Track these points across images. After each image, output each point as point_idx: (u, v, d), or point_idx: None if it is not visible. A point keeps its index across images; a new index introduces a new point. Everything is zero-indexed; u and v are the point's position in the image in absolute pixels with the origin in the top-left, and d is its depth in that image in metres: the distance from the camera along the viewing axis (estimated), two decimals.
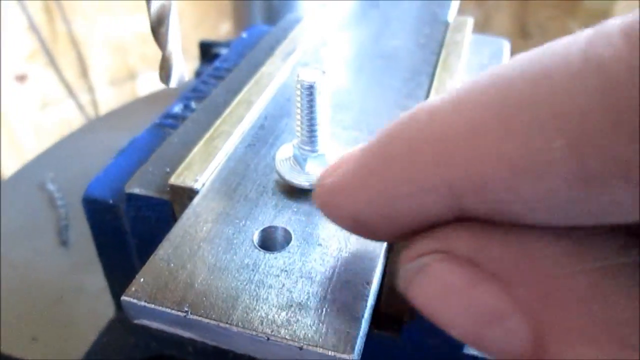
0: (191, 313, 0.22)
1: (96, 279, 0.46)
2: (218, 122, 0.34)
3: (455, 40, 0.43)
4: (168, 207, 0.30)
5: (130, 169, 0.33)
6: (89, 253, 0.40)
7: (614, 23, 0.13)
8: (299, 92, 0.27)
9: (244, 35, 0.49)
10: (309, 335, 0.21)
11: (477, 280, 0.16)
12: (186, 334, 0.23)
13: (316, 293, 0.23)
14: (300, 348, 0.21)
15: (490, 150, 0.15)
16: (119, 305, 0.39)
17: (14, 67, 1.26)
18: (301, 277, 0.24)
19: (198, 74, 0.67)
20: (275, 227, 0.26)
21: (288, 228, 0.26)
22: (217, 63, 0.45)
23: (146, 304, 0.22)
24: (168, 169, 0.32)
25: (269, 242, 0.26)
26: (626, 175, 0.13)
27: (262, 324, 0.21)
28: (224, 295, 0.23)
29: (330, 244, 0.25)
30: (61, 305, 0.51)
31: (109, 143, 0.54)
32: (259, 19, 0.89)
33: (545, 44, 0.15)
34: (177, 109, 0.40)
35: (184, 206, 0.29)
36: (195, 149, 0.32)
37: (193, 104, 0.40)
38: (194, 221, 0.27)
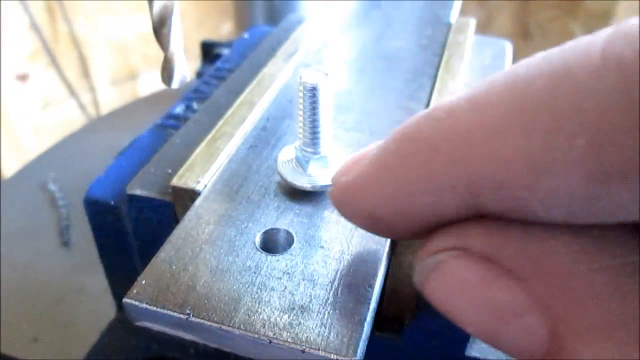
0: (193, 316, 0.22)
1: (97, 280, 0.46)
2: (220, 123, 0.34)
3: (457, 42, 0.43)
4: (170, 208, 0.30)
5: (132, 169, 0.33)
6: (90, 254, 0.40)
7: (634, 23, 0.13)
8: (301, 94, 0.27)
9: (246, 35, 0.49)
10: (312, 338, 0.21)
11: (494, 277, 0.16)
12: (188, 336, 0.23)
13: (318, 296, 0.23)
14: (303, 351, 0.21)
15: (510, 148, 0.15)
16: (120, 306, 0.39)
17: (16, 66, 1.26)
18: (303, 279, 0.24)
19: (199, 74, 0.67)
20: (278, 229, 0.26)
21: (290, 230, 0.26)
22: (218, 63, 0.45)
23: (148, 307, 0.22)
24: (170, 170, 0.32)
25: (271, 244, 0.26)
26: None
27: (264, 326, 0.21)
28: (225, 297, 0.23)
29: (332, 247, 0.25)
30: (62, 305, 0.51)
31: (110, 143, 0.54)
32: (261, 19, 0.89)
33: (561, 44, 0.15)
34: (179, 109, 0.40)
35: (185, 208, 0.28)
36: (197, 150, 0.32)
37: (195, 105, 0.40)
38: (196, 223, 0.27)
